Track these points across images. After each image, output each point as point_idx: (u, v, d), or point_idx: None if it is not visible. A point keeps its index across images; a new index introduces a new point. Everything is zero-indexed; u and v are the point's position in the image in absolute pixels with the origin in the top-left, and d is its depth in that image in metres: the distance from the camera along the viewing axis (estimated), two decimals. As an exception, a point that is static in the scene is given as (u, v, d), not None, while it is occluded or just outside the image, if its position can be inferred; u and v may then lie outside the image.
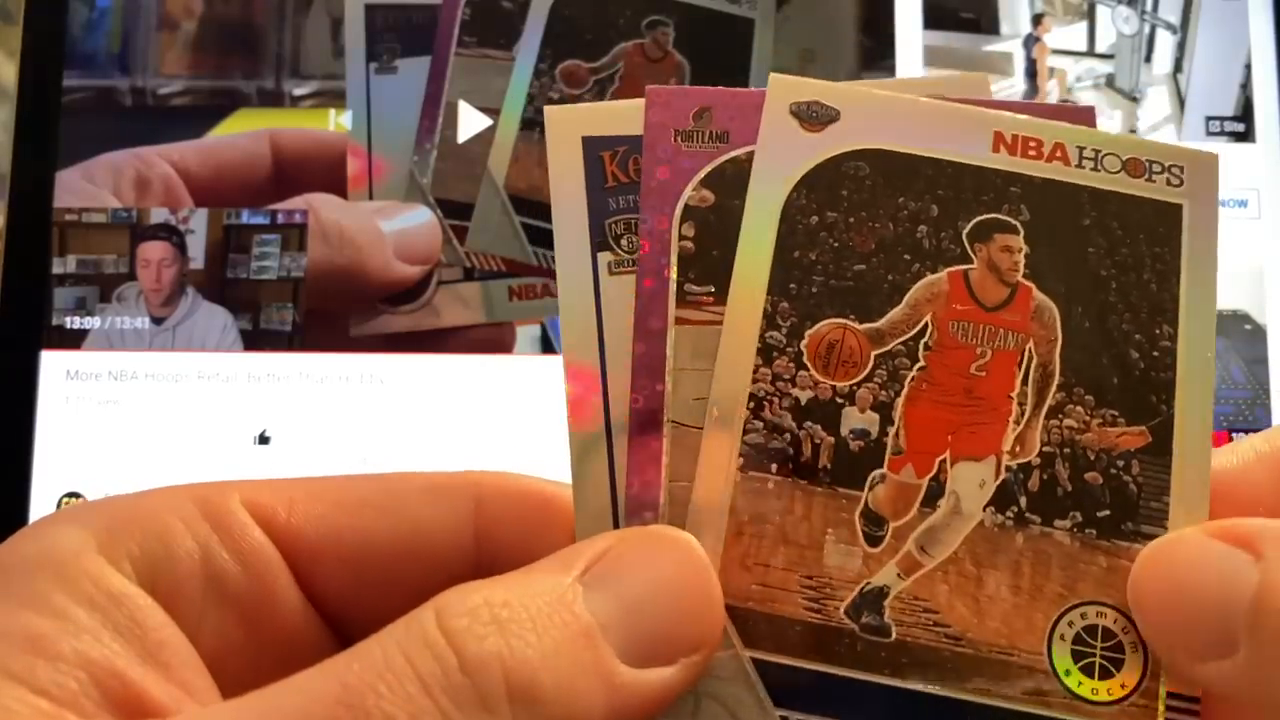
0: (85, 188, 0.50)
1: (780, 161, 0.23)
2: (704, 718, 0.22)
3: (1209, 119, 0.52)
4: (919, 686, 0.22)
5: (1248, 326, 0.49)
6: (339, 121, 0.51)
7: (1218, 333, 0.50)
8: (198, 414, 0.48)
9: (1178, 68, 0.53)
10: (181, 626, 0.21)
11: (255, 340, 0.49)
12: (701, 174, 0.23)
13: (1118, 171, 0.23)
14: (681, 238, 0.23)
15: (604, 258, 0.23)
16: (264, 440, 0.48)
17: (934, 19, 0.53)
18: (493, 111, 0.50)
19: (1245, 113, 0.51)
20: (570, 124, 0.24)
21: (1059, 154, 0.23)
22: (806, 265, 0.23)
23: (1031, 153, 0.23)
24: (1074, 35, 0.53)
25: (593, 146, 0.24)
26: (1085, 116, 0.24)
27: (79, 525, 0.21)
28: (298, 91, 0.52)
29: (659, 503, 0.22)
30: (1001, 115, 0.23)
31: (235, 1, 0.53)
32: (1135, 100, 0.52)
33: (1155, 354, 0.23)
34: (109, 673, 0.19)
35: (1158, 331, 0.23)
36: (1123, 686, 0.22)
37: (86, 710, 0.19)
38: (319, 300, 0.49)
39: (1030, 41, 0.53)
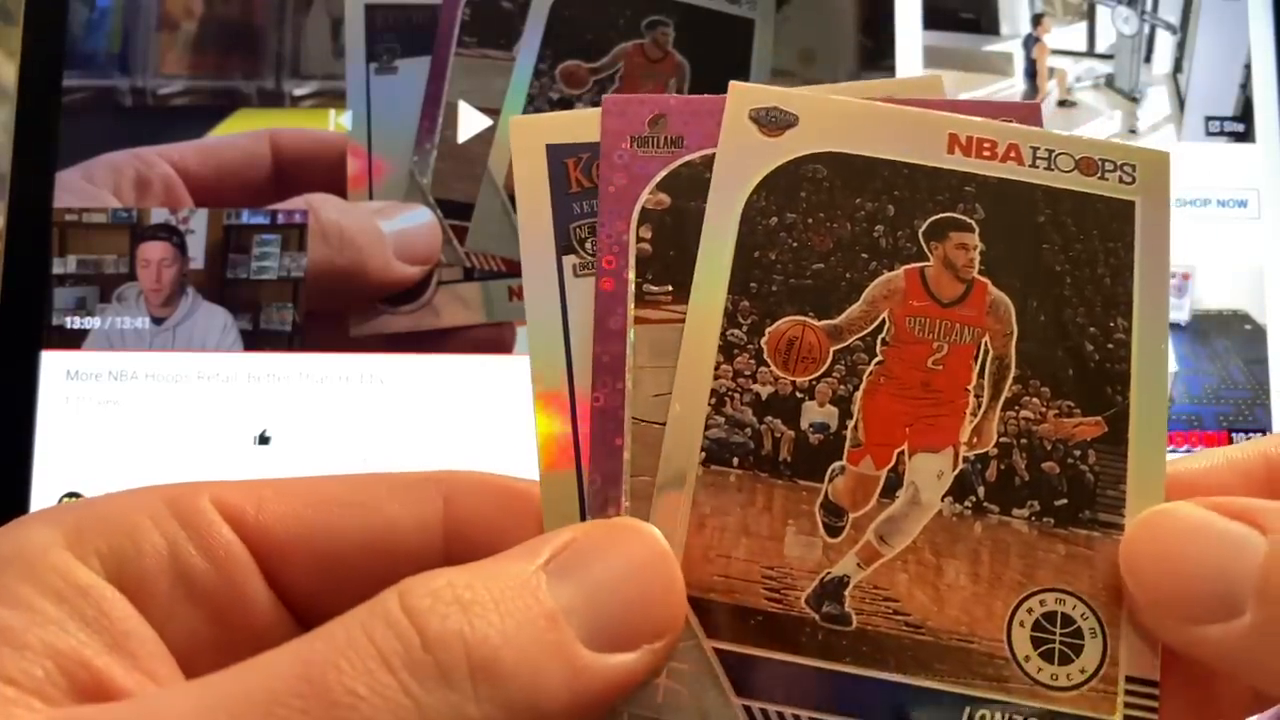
0: (85, 188, 0.50)
1: (740, 165, 0.24)
2: (668, 706, 0.22)
3: (1209, 119, 0.52)
4: (880, 674, 0.22)
5: (1248, 326, 0.49)
6: (339, 121, 0.51)
7: (1218, 333, 0.51)
8: (198, 414, 0.48)
9: (1178, 68, 0.53)
10: (150, 621, 0.22)
11: (255, 340, 0.49)
12: (658, 178, 0.24)
13: (1071, 170, 0.24)
14: (639, 240, 0.24)
15: (569, 261, 0.24)
16: (264, 440, 0.48)
17: (934, 19, 0.53)
18: (493, 111, 0.50)
19: (1245, 113, 0.51)
20: (534, 133, 0.25)
21: (1013, 154, 0.24)
22: (766, 265, 0.24)
23: (986, 153, 0.24)
24: (1074, 35, 0.53)
25: (557, 154, 0.25)
26: (1032, 113, 0.25)
27: (48, 524, 0.22)
28: (298, 91, 0.52)
29: (621, 497, 0.23)
30: (956, 118, 0.24)
31: (235, 1, 0.53)
32: (1135, 100, 0.52)
33: (1110, 346, 0.23)
34: (75, 661, 0.20)
35: (1112, 325, 0.23)
36: (1082, 671, 0.22)
37: (53, 697, 0.19)
38: (319, 300, 0.49)
39: (1030, 42, 0.53)
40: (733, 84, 0.24)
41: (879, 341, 0.23)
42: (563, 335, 0.24)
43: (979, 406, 0.23)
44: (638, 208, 0.24)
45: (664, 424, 0.23)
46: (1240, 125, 0.51)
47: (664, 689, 0.22)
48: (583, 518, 0.23)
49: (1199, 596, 0.21)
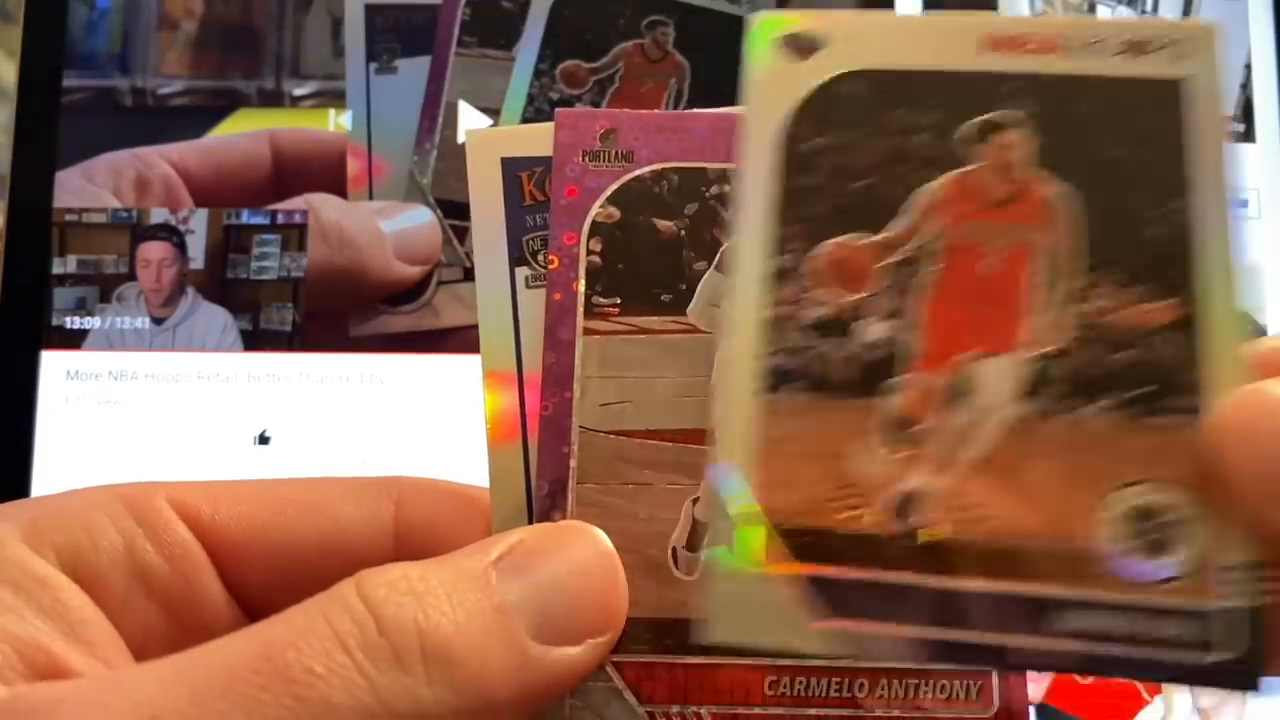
0: (85, 188, 0.50)
1: (773, 94, 0.24)
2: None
3: (1209, 119, 0.52)
4: (973, 585, 0.21)
5: (1247, 326, 0.49)
6: (339, 121, 0.51)
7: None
8: (198, 414, 0.48)
9: (1178, 68, 0.53)
10: (106, 613, 0.22)
11: (255, 340, 0.49)
12: (608, 191, 0.25)
13: (1114, 55, 0.23)
14: (589, 252, 0.24)
15: (521, 272, 0.25)
16: (264, 440, 0.48)
17: (934, 19, 0.53)
18: (493, 111, 0.50)
19: (1245, 113, 0.51)
20: (489, 146, 0.25)
21: (1051, 46, 0.23)
22: (808, 189, 0.23)
23: (1023, 48, 0.23)
24: (1074, 35, 0.53)
25: (511, 167, 0.25)
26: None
27: (4, 518, 0.22)
28: (298, 91, 0.52)
29: (567, 504, 0.23)
30: (989, 17, 0.24)
31: (235, 1, 0.53)
32: (1135, 100, 0.52)
33: (1171, 229, 0.23)
34: (33, 647, 0.20)
35: (1172, 205, 0.23)
36: (1180, 563, 0.21)
37: (10, 680, 0.20)
38: (319, 300, 0.49)
39: (1030, 41, 0.53)
40: (757, 14, 0.24)
41: (931, 252, 0.23)
42: (512, 326, 0.24)
43: (1042, 305, 0.23)
44: (588, 220, 0.24)
45: (611, 433, 0.24)
46: (1240, 125, 0.51)
47: (571, 709, 0.23)
48: (529, 516, 0.24)
49: None
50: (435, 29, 0.51)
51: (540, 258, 0.25)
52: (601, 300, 0.24)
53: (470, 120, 0.51)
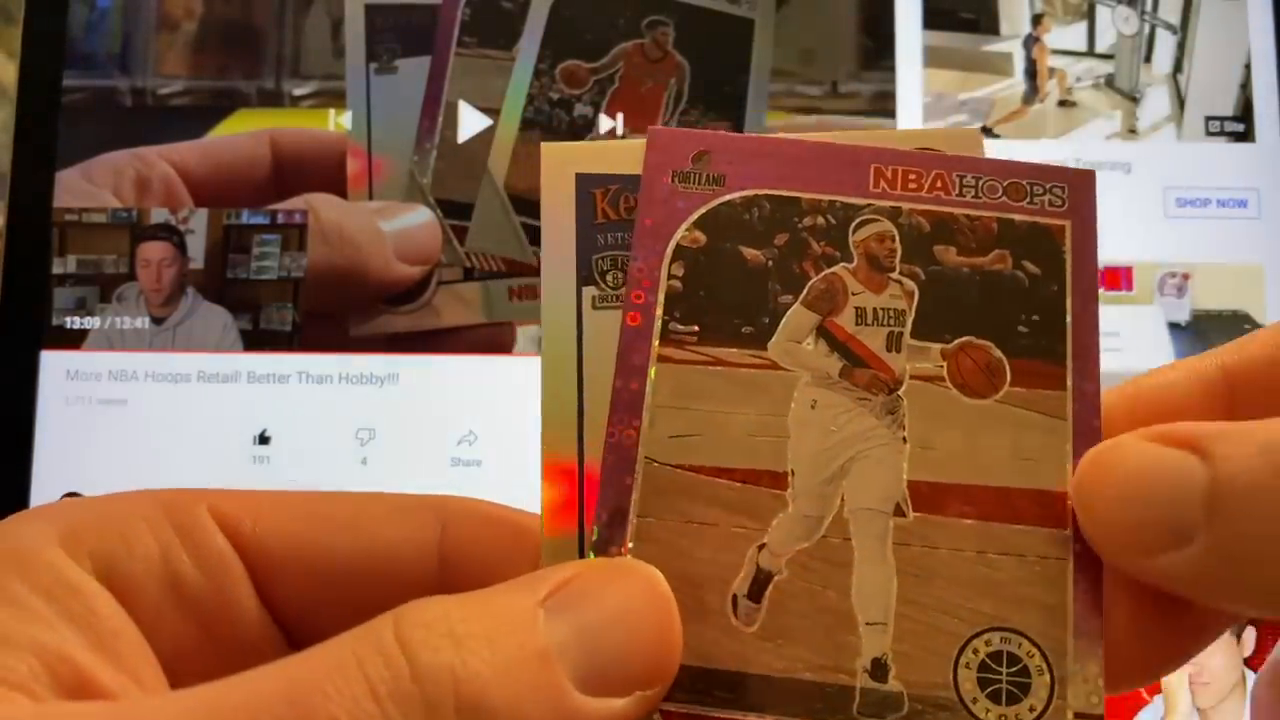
0: (85, 188, 0.50)
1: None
2: None
3: (1209, 119, 0.52)
4: None
5: (1247, 326, 0.49)
6: (339, 121, 0.51)
7: (1217, 333, 0.51)
8: (198, 414, 0.48)
9: (1178, 68, 0.53)
10: (138, 623, 0.22)
11: (255, 340, 0.49)
12: (695, 215, 0.24)
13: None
14: (670, 276, 0.24)
15: (589, 292, 0.24)
16: (264, 440, 0.48)
17: (934, 19, 0.53)
18: (493, 111, 0.50)
19: (1245, 113, 0.51)
20: (565, 161, 0.24)
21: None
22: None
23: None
24: (1074, 35, 0.53)
25: (585, 183, 0.24)
26: (971, 142, 0.25)
27: (43, 521, 0.22)
28: (298, 91, 0.52)
29: (626, 536, 0.23)
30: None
31: (235, 1, 0.53)
32: (1135, 100, 0.52)
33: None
34: (60, 658, 0.20)
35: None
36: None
37: (36, 693, 0.19)
38: (319, 300, 0.49)
39: (1030, 41, 0.53)
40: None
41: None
42: (576, 364, 0.24)
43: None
44: (672, 243, 0.24)
45: (678, 467, 0.23)
46: (1240, 125, 0.51)
47: None
48: (581, 553, 0.23)
49: (1149, 528, 0.21)
50: (435, 29, 0.51)
51: (609, 278, 0.24)
52: (679, 327, 0.23)
53: (470, 120, 0.51)
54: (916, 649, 0.22)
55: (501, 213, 0.50)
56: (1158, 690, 0.45)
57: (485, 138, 0.50)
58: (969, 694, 0.22)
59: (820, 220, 0.24)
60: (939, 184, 0.24)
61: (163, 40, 0.53)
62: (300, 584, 0.23)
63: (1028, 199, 0.24)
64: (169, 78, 0.52)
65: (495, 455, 0.48)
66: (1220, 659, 0.46)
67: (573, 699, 0.20)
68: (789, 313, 0.24)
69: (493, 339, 0.50)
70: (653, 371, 0.23)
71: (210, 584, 0.23)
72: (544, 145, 0.25)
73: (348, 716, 0.18)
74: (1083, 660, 0.22)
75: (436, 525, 0.24)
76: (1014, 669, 0.22)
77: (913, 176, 0.24)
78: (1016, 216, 0.24)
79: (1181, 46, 0.53)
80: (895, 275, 0.24)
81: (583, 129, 0.50)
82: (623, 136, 0.50)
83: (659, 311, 0.23)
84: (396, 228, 0.50)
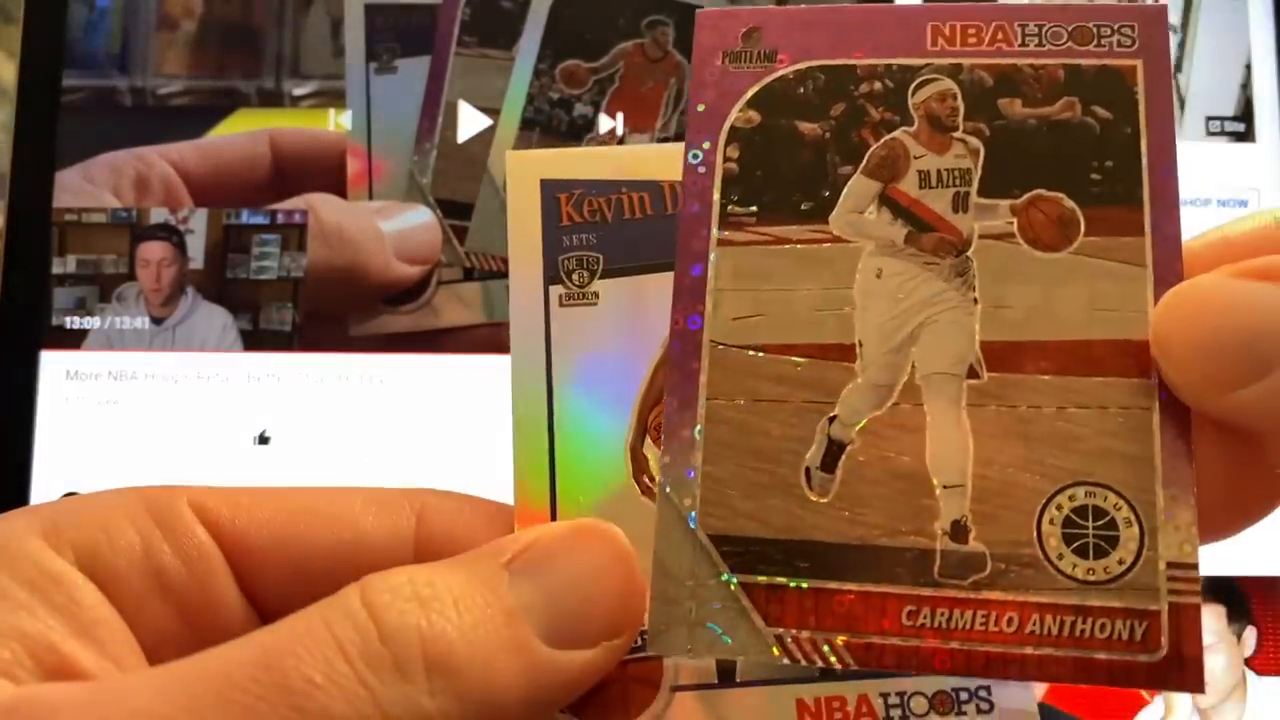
0: (85, 188, 0.50)
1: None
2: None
3: (1209, 119, 0.52)
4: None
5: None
6: (339, 121, 0.51)
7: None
8: (198, 414, 0.48)
9: (1178, 67, 0.53)
10: (121, 613, 0.22)
11: (255, 340, 0.49)
12: (748, 94, 0.24)
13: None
14: (726, 159, 0.24)
15: (555, 290, 0.25)
16: (264, 440, 0.48)
17: (934, 19, 0.52)
18: (493, 111, 0.50)
19: (1245, 113, 0.51)
20: (530, 167, 0.25)
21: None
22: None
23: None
24: (1074, 35, 0.53)
25: (550, 188, 0.25)
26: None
27: (26, 515, 0.22)
28: (298, 91, 0.52)
29: (697, 419, 0.23)
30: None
31: (235, 1, 0.53)
32: (1135, 100, 0.52)
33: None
34: (43, 645, 0.20)
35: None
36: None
37: (19, 678, 0.20)
38: (319, 300, 0.49)
39: (1030, 41, 0.53)
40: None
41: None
42: (545, 360, 0.24)
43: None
44: (726, 125, 0.24)
45: (744, 348, 0.23)
46: (1241, 125, 0.51)
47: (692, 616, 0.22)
48: (552, 515, 0.23)
49: (1231, 360, 0.20)
50: (435, 29, 0.51)
51: (575, 277, 0.25)
52: (738, 209, 0.23)
53: (470, 120, 0.51)
54: (997, 508, 0.22)
55: (501, 213, 0.50)
56: (1158, 690, 0.45)
57: (485, 138, 0.50)
58: (1054, 550, 0.22)
59: (878, 85, 0.24)
60: (1000, 35, 0.23)
61: (162, 40, 0.53)
62: (280, 575, 0.24)
63: (1095, 41, 0.23)
64: (169, 77, 0.52)
65: (495, 455, 0.48)
66: (1220, 659, 0.46)
67: (540, 652, 0.20)
68: (849, 183, 0.23)
69: (493, 339, 0.50)
70: (713, 255, 0.23)
71: (191, 575, 0.23)
72: (509, 154, 0.25)
73: (321, 677, 0.19)
74: (1174, 509, 0.21)
75: (412, 514, 0.25)
76: (1100, 522, 0.22)
77: (972, 30, 0.23)
78: (1084, 61, 0.23)
79: (1182, 46, 0.53)
80: (959, 134, 0.23)
81: (583, 129, 0.50)
82: (623, 136, 0.50)
83: (716, 195, 0.23)
84: (396, 228, 0.50)
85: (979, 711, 0.23)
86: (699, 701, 0.23)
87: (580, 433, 0.24)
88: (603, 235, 0.25)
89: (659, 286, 0.24)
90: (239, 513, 0.24)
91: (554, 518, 0.24)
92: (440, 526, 0.25)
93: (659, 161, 0.25)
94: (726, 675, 0.23)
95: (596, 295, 0.25)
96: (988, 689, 0.23)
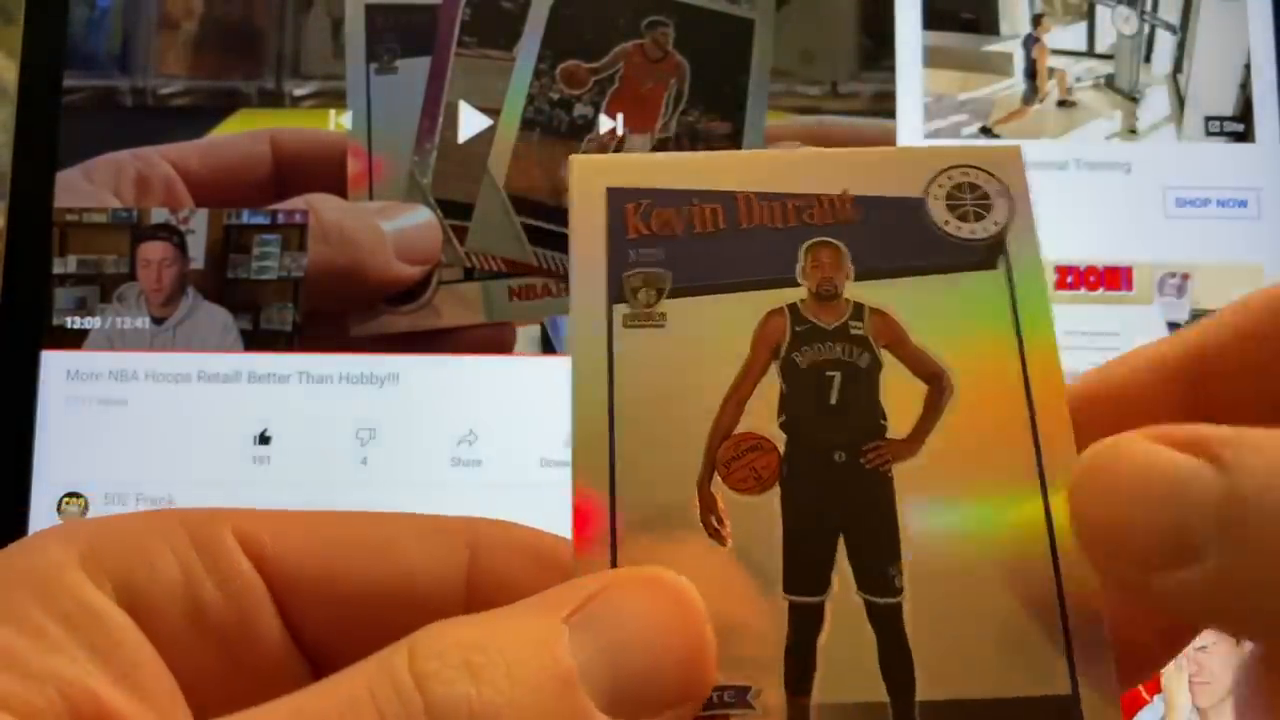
0: (85, 188, 0.50)
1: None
2: None
3: (1209, 119, 0.52)
4: None
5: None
6: (339, 121, 0.51)
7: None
8: (198, 414, 0.48)
9: (1178, 68, 0.53)
10: (159, 649, 0.21)
11: (255, 340, 0.49)
12: None
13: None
14: None
15: (619, 310, 0.23)
16: (264, 440, 0.48)
17: (934, 19, 0.53)
18: (493, 111, 0.50)
19: (1245, 113, 0.51)
20: (595, 173, 0.24)
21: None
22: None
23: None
24: (1074, 35, 0.53)
25: (617, 198, 0.24)
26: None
27: (65, 541, 0.21)
28: (298, 91, 0.52)
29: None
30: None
31: (235, 1, 0.53)
32: (1135, 100, 0.52)
33: None
34: (80, 691, 0.19)
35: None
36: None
37: None
38: (319, 300, 0.49)
39: (1030, 41, 0.53)
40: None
41: None
42: (608, 386, 0.23)
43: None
44: None
45: None
46: (1240, 125, 0.51)
47: None
48: (613, 553, 0.22)
49: (1153, 539, 0.19)
50: (435, 29, 0.51)
51: (641, 295, 0.23)
52: None
53: (470, 120, 0.51)
54: None
55: (501, 213, 0.50)
56: (1158, 690, 0.46)
57: (485, 138, 0.50)
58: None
59: None
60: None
61: (163, 40, 0.53)
62: (324, 608, 0.23)
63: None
64: (169, 78, 0.52)
65: (495, 455, 0.48)
66: (1220, 659, 0.46)
67: None
68: None
69: (493, 339, 0.50)
70: None
71: (233, 608, 0.22)
72: (573, 158, 0.24)
73: None
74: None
75: (465, 549, 0.23)
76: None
77: None
78: None
79: (1181, 47, 0.53)
80: None
81: (583, 129, 0.50)
82: (623, 137, 0.50)
83: None
84: (396, 228, 0.50)
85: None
86: None
87: (644, 468, 0.23)
88: (671, 250, 0.24)
89: (731, 309, 0.23)
90: (285, 543, 0.23)
91: (614, 560, 0.22)
92: (495, 562, 0.23)
93: (734, 169, 0.24)
94: None
95: (664, 316, 0.23)
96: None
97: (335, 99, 0.51)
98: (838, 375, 0.23)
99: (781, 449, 0.23)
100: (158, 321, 0.49)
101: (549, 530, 0.24)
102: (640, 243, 0.24)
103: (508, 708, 0.18)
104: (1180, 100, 0.52)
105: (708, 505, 0.23)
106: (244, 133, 0.51)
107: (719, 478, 0.23)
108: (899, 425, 0.23)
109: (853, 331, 0.23)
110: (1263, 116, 0.51)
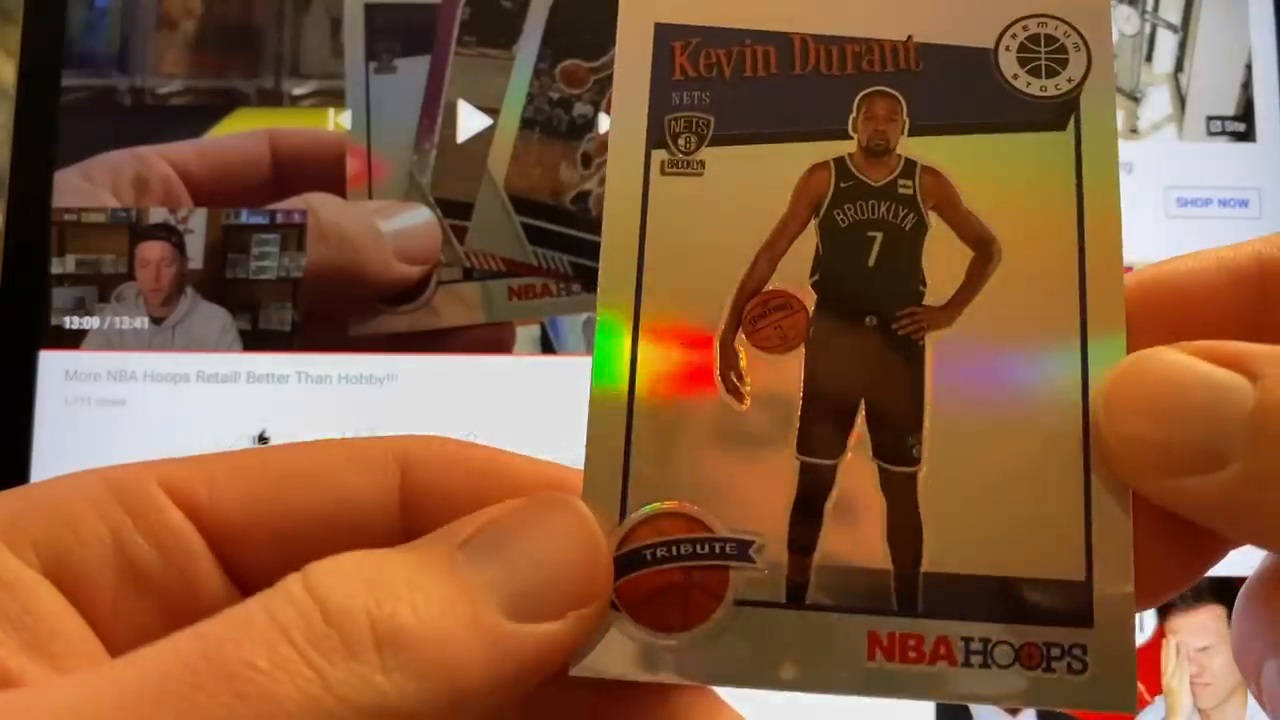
0: (84, 188, 0.50)
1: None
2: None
3: (1210, 119, 0.52)
4: None
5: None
6: (338, 121, 0.51)
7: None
8: (198, 414, 0.48)
9: (1178, 67, 0.53)
10: (93, 616, 0.21)
11: (255, 340, 0.49)
12: None
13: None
14: None
15: (658, 155, 0.22)
16: (264, 440, 0.48)
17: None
18: (493, 111, 0.50)
19: (1246, 113, 0.51)
20: (644, 6, 0.23)
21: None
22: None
23: None
24: (1074, 35, 0.53)
25: (665, 34, 0.23)
26: None
27: None
28: (297, 91, 0.52)
29: None
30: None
31: (235, 1, 0.53)
32: (1136, 100, 0.52)
33: None
34: None
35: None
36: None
37: None
38: (318, 300, 0.49)
39: (1031, 41, 0.53)
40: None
41: None
42: (639, 235, 0.22)
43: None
44: None
45: None
46: (1241, 125, 0.51)
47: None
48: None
49: (1180, 445, 0.20)
50: (435, 28, 0.51)
51: (681, 141, 0.22)
52: None
53: (470, 120, 0.50)
54: None
55: (501, 212, 0.50)
56: (1159, 690, 0.45)
57: (485, 137, 0.50)
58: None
59: None
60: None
61: (162, 40, 0.53)
62: (261, 549, 0.22)
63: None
64: (168, 77, 0.52)
65: (495, 455, 0.48)
66: (1221, 659, 0.46)
67: (503, 625, 0.19)
68: None
69: (493, 339, 0.50)
70: None
71: (169, 566, 0.22)
72: None
73: (266, 662, 0.17)
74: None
75: (396, 469, 0.23)
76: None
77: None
78: None
79: (1182, 46, 0.53)
80: None
81: (583, 128, 0.50)
82: (623, 136, 0.50)
83: None
84: (396, 227, 0.50)
85: (1070, 671, 0.21)
86: (762, 619, 0.21)
87: (668, 320, 0.22)
88: (717, 94, 0.22)
89: (774, 161, 0.22)
90: (214, 488, 0.22)
91: (631, 409, 0.21)
92: (428, 481, 0.23)
93: (793, 6, 0.23)
94: (795, 595, 0.21)
95: (702, 165, 0.22)
96: (1083, 648, 0.21)
97: (334, 98, 0.51)
98: (879, 236, 0.22)
99: (811, 309, 0.22)
100: (156, 321, 0.49)
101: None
102: (685, 85, 0.23)
103: (410, 612, 0.18)
104: (1181, 99, 0.52)
105: (729, 362, 0.22)
106: (243, 132, 0.51)
107: (744, 334, 0.22)
108: (938, 292, 0.22)
109: (901, 190, 0.22)
110: (1264, 116, 0.51)
